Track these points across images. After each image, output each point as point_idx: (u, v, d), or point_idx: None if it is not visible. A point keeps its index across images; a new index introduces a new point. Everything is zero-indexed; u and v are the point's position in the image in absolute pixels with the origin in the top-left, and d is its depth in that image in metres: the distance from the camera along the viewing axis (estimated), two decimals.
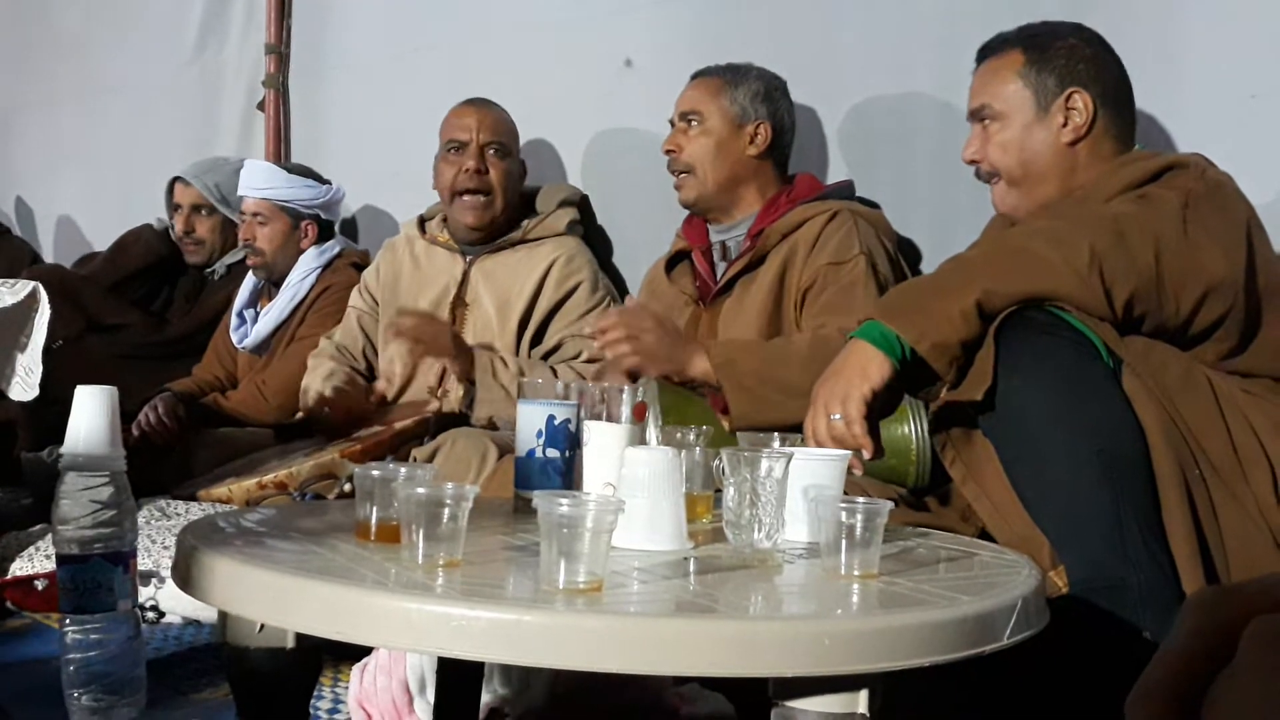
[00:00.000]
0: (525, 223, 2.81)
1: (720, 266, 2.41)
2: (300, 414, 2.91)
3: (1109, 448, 1.48)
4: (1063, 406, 1.50)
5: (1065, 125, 1.87)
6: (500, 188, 2.76)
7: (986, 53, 1.95)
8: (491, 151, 2.75)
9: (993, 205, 1.96)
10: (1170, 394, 1.53)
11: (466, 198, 2.75)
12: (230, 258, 3.58)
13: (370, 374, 2.93)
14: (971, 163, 1.95)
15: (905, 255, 2.37)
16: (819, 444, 1.58)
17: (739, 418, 1.99)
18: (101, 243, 4.30)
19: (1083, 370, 1.52)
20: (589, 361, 2.62)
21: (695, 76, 2.46)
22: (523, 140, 2.87)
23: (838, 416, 1.58)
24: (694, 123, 2.39)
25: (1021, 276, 1.55)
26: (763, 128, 2.38)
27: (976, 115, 1.93)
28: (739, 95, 2.38)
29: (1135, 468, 1.48)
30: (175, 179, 3.57)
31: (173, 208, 3.58)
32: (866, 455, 1.60)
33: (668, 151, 2.42)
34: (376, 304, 2.95)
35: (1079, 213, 1.69)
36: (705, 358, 2.07)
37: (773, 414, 1.96)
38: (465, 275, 2.80)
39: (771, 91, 2.41)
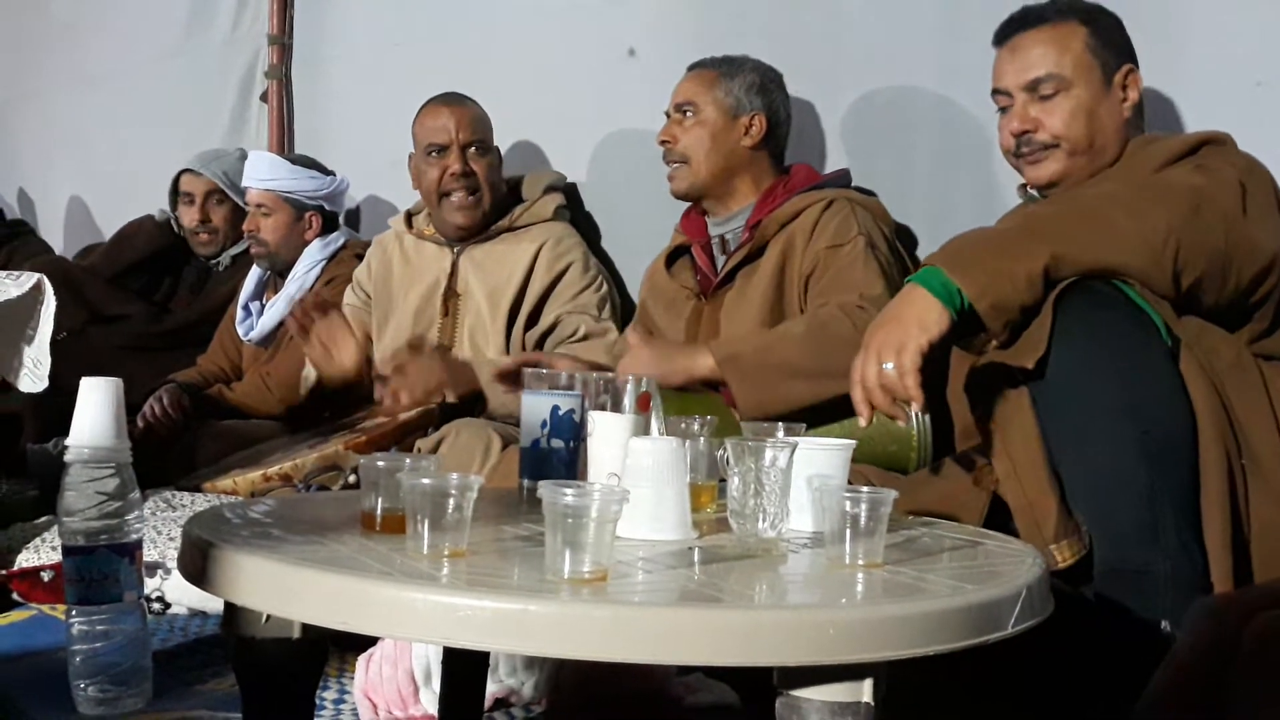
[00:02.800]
0: (512, 210, 2.82)
1: (720, 260, 2.41)
2: (305, 393, 2.90)
3: (1154, 430, 1.45)
4: (1113, 384, 1.46)
5: (1125, 101, 1.85)
6: (486, 184, 2.78)
7: (1030, 22, 1.89)
8: (473, 150, 2.76)
9: (1031, 180, 1.90)
10: (1222, 378, 1.50)
11: (455, 197, 2.76)
12: (236, 249, 3.58)
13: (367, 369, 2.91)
14: (1021, 134, 1.87)
15: (903, 242, 2.37)
16: (867, 390, 1.52)
17: (746, 408, 1.99)
18: (97, 234, 4.30)
19: (1139, 349, 1.48)
20: (584, 339, 2.64)
21: (691, 68, 2.46)
22: (523, 130, 2.86)
23: (890, 366, 1.50)
24: (689, 114, 2.40)
25: (1094, 246, 1.50)
26: (757, 119, 2.39)
27: (1032, 87, 1.86)
28: (734, 87, 2.39)
29: (1179, 453, 1.45)
30: (183, 171, 3.56)
31: (183, 200, 3.57)
32: (916, 408, 1.54)
33: (663, 142, 2.43)
34: (369, 299, 2.95)
35: (1151, 181, 1.63)
36: (708, 356, 2.08)
37: (779, 399, 1.97)
38: (454, 266, 2.81)
39: (767, 84, 2.42)
